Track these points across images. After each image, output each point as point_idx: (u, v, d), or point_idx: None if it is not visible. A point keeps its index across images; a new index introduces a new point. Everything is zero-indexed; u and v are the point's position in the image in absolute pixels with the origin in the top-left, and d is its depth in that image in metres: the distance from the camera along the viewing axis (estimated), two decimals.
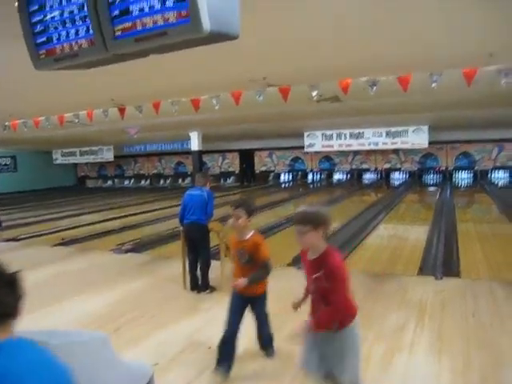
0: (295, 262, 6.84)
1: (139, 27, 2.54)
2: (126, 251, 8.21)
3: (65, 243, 9.35)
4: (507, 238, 8.44)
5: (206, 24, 2.30)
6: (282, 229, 9.98)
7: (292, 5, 4.24)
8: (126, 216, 13.36)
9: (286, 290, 5.52)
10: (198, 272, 5.82)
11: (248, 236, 3.61)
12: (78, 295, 5.74)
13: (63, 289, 6.09)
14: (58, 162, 26.57)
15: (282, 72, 6.84)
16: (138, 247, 8.50)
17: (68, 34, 2.83)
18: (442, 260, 6.79)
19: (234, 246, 3.70)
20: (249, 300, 3.66)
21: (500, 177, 21.50)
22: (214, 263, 5.93)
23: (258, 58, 5.86)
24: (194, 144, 19.39)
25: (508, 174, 21.37)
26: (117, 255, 8.06)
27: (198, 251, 5.75)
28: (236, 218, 3.57)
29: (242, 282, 3.44)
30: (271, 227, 10.11)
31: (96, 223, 12.14)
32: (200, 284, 5.77)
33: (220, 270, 5.76)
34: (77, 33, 2.80)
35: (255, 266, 3.51)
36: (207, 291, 5.70)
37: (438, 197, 15.97)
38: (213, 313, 4.88)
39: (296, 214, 2.68)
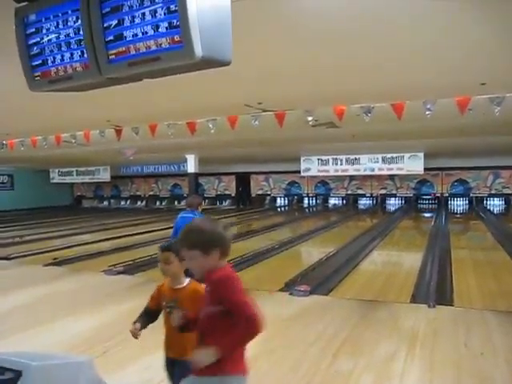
0: (287, 286, 6.82)
1: (133, 51, 2.57)
2: (118, 273, 8.14)
3: (57, 263, 9.27)
4: (501, 266, 8.41)
5: (198, 50, 2.33)
6: (275, 253, 9.94)
7: (286, 32, 4.32)
8: (119, 237, 13.28)
9: (275, 316, 5.51)
10: None
11: (184, 284, 2.82)
12: (69, 316, 5.67)
13: (54, 309, 6.02)
14: (54, 181, 26.60)
15: (277, 98, 6.93)
16: (130, 269, 8.43)
17: (63, 57, 2.86)
18: (435, 287, 6.74)
19: (165, 298, 2.77)
20: None
21: (495, 204, 21.60)
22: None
23: (253, 83, 5.95)
24: (191, 166, 19.46)
25: (503, 202, 21.48)
26: (108, 277, 7.98)
27: (190, 274, 5.69)
28: (165, 263, 2.82)
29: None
30: (264, 251, 10.06)
31: (89, 243, 12.07)
32: None
33: None
34: (71, 56, 2.83)
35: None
36: None
37: (433, 223, 15.99)
38: None
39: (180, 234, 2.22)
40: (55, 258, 9.63)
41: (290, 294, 6.43)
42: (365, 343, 4.63)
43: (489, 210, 20.48)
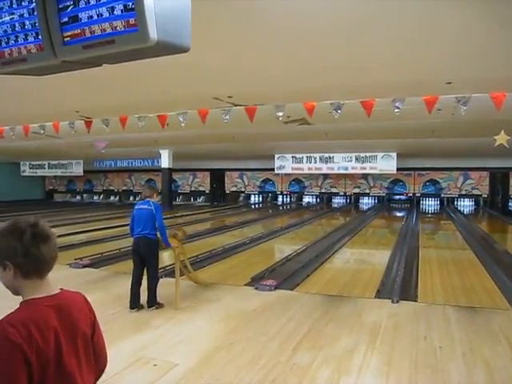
0: (254, 281, 6.81)
1: (88, 34, 2.51)
2: (84, 266, 8.02)
3: None
4: (466, 264, 8.56)
5: (154, 34, 2.28)
6: (245, 249, 9.93)
7: (256, 26, 4.30)
8: (90, 231, 13.09)
9: (239, 310, 5.51)
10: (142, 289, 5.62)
11: None
12: None
13: (10, 303, 5.86)
14: (25, 174, 26.07)
15: (247, 91, 6.90)
16: (97, 262, 8.31)
17: (17, 38, 2.79)
18: (400, 284, 6.81)
19: None
20: None
21: (466, 204, 22.04)
22: (165, 280, 5.85)
23: (221, 76, 5.90)
24: (165, 161, 19.34)
25: (473, 202, 21.93)
26: (73, 270, 7.85)
27: (147, 267, 5.63)
28: None
29: None
30: (234, 247, 10.04)
31: (58, 237, 11.77)
32: (148, 301, 5.59)
33: (174, 288, 5.66)
34: (26, 37, 2.76)
35: None
36: (153, 308, 5.54)
37: (404, 222, 16.19)
38: (162, 330, 4.77)
39: None
40: None
41: (256, 288, 6.43)
42: (326, 337, 4.65)
43: (459, 210, 20.87)
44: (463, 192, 21.78)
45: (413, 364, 4.07)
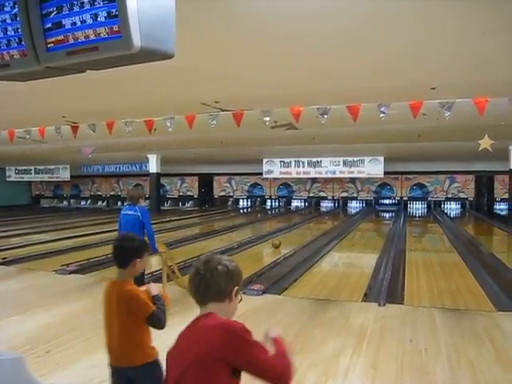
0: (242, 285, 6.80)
1: (71, 40, 2.51)
2: (70, 272, 7.96)
3: (6, 263, 8.97)
4: (452, 267, 8.64)
5: (137, 41, 2.29)
6: (233, 253, 9.92)
7: (243, 32, 4.33)
8: (76, 237, 12.97)
9: None
10: None
11: None
12: (13, 316, 5.50)
13: None
14: (11, 179, 25.83)
15: (234, 97, 6.93)
16: (83, 268, 8.25)
17: (0, 43, 2.78)
18: (386, 287, 6.87)
19: None
20: None
21: (452, 208, 22.24)
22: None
23: (209, 81, 5.93)
24: (153, 166, 19.29)
25: (460, 205, 22.14)
26: (59, 276, 7.79)
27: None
28: None
29: None
30: (222, 251, 10.02)
31: (45, 243, 11.74)
32: None
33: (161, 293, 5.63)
34: (9, 43, 2.75)
35: None
36: None
37: (391, 226, 16.30)
38: None
39: None
40: (4, 258, 9.32)
41: (243, 293, 6.38)
42: (313, 341, 4.67)
43: (446, 213, 21.05)
44: (449, 195, 21.99)
45: (398, 366, 4.10)
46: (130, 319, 2.50)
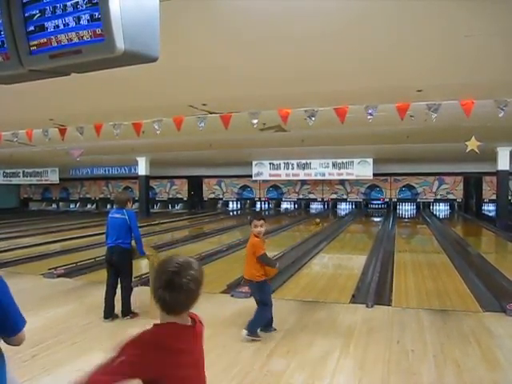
0: (230, 288, 6.80)
1: (54, 43, 2.50)
2: (58, 276, 7.90)
3: None
4: (440, 268, 8.70)
5: (121, 44, 2.28)
6: (222, 256, 9.94)
7: (230, 33, 4.33)
8: (65, 240, 12.90)
9: (214, 317, 5.49)
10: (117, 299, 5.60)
11: None
12: None
13: None
14: None
15: (222, 99, 6.93)
16: (71, 272, 8.19)
17: None
18: (375, 289, 6.90)
19: None
20: None
21: (441, 209, 22.40)
22: (141, 289, 5.81)
23: (196, 84, 5.92)
24: (142, 169, 19.22)
25: (448, 207, 22.31)
26: (47, 280, 7.74)
27: (120, 276, 5.59)
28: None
29: None
30: (211, 254, 10.03)
31: (32, 246, 11.64)
32: (122, 310, 5.57)
33: (149, 296, 5.62)
34: None
35: None
36: (128, 317, 5.52)
37: (380, 227, 16.38)
38: None
39: None
40: None
41: (231, 295, 6.43)
42: (300, 343, 4.68)
43: (435, 214, 21.19)
44: (438, 196, 22.15)
45: (385, 367, 4.12)
46: None
